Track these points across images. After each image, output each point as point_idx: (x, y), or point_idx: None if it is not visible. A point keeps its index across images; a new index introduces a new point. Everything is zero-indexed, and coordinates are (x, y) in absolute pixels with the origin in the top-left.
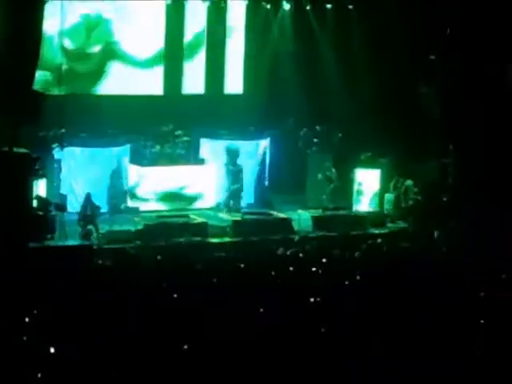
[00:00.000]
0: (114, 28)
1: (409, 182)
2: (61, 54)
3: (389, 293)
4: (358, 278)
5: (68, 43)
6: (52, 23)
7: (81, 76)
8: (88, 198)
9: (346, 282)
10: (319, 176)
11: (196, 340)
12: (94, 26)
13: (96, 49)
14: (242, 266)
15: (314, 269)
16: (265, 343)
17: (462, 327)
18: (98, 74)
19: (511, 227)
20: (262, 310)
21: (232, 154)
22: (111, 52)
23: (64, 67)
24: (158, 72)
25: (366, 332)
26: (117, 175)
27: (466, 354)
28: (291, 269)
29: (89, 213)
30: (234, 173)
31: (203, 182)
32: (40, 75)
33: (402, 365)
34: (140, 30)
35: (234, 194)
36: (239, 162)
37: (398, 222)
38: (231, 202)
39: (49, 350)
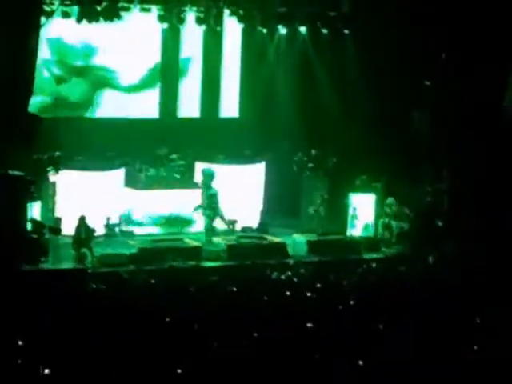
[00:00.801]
0: (105, 54)
1: (390, 200)
2: (50, 81)
3: (384, 317)
4: (351, 302)
5: (56, 71)
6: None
7: (72, 105)
8: (82, 221)
9: (340, 307)
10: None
11: (190, 364)
12: (82, 53)
13: (84, 77)
14: (236, 289)
15: (308, 294)
16: (258, 368)
17: (454, 355)
18: (88, 103)
19: (507, 251)
20: (255, 334)
21: (207, 178)
22: (101, 80)
23: (54, 95)
24: (153, 95)
25: (360, 357)
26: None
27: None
28: (287, 293)
29: (83, 236)
30: (209, 196)
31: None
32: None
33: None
34: (133, 56)
35: (213, 219)
36: (214, 185)
37: (392, 246)
38: (215, 227)
39: (42, 372)
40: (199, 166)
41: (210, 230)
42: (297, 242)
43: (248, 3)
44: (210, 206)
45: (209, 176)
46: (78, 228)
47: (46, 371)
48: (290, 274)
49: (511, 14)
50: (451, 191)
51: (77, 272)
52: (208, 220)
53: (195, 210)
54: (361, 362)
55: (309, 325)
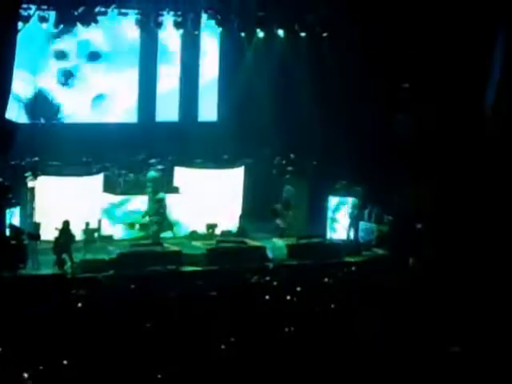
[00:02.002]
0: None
1: (353, 201)
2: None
3: (364, 320)
4: (332, 306)
5: None
6: None
7: None
8: (64, 226)
9: (320, 311)
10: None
11: (170, 368)
12: None
13: None
14: (216, 294)
15: (288, 297)
16: (238, 372)
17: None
18: None
19: (488, 254)
20: (233, 339)
21: (154, 183)
22: None
23: None
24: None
25: (340, 360)
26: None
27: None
28: (266, 297)
29: (63, 241)
30: (156, 201)
31: (177, 210)
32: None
33: None
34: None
35: (161, 225)
36: (161, 190)
37: (373, 249)
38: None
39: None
40: (178, 171)
41: (158, 237)
42: (276, 245)
43: (226, 7)
44: (158, 212)
45: (155, 181)
46: (61, 233)
47: (26, 376)
48: (269, 277)
49: (491, 11)
50: (432, 194)
51: (56, 277)
52: (156, 226)
53: (143, 216)
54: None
55: (286, 329)
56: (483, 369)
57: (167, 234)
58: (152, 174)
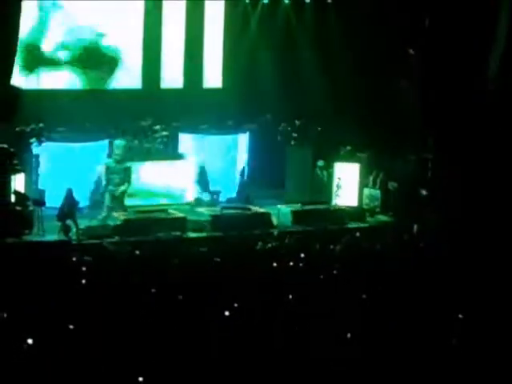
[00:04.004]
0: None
1: (320, 163)
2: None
3: (367, 286)
4: (335, 272)
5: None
6: None
7: None
8: (68, 193)
9: (324, 277)
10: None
11: (173, 334)
12: None
13: None
14: (220, 260)
15: (292, 263)
16: (241, 339)
17: (435, 324)
18: None
19: (489, 223)
20: (237, 305)
21: (121, 151)
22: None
23: None
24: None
25: (344, 327)
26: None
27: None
28: (270, 263)
29: (68, 208)
30: (123, 170)
31: (182, 177)
32: None
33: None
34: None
35: (120, 194)
36: (126, 159)
37: (377, 216)
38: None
39: (25, 345)
40: (183, 137)
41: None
42: (281, 212)
43: None
44: (124, 180)
45: (122, 149)
46: (64, 200)
47: (30, 342)
48: (274, 244)
49: None
50: (436, 160)
51: (61, 244)
52: (122, 195)
53: (106, 186)
54: (346, 333)
55: (290, 296)
56: (487, 338)
57: (130, 202)
58: (119, 142)
